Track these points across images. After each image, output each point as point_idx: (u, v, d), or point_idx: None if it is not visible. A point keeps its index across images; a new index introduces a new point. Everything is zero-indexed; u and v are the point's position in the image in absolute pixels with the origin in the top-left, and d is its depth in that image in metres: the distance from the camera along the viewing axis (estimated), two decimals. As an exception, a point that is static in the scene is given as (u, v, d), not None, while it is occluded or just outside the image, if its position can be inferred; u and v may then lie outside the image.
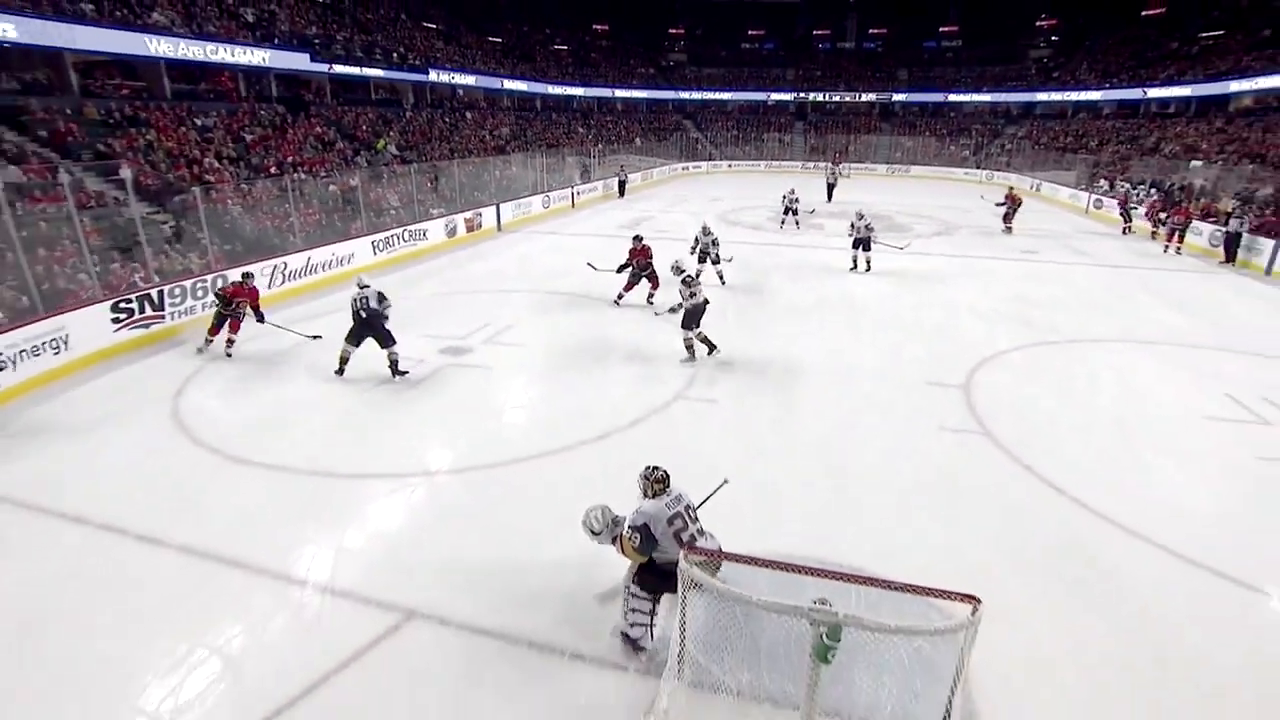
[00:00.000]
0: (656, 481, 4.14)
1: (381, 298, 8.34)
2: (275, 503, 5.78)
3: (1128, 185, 24.19)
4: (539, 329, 10.72)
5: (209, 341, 9.19)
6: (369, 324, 8.27)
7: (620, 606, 4.25)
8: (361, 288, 8.43)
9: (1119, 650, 4.27)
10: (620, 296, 11.92)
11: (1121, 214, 21.04)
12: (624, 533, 4.06)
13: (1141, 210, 20.74)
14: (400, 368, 8.44)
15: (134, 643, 4.21)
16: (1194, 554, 5.19)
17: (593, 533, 4.29)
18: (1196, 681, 4.05)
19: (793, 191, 20.50)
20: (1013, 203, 20.48)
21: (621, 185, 27.87)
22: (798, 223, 20.14)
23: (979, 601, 3.07)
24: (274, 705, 3.75)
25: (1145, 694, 3.95)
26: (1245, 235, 16.00)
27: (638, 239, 11.94)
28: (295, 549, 5.13)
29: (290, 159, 18.44)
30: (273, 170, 17.19)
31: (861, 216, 14.31)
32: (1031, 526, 5.58)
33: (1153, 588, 4.86)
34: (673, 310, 9.18)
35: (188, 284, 10.40)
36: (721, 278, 13.39)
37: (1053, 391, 8.38)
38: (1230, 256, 16.22)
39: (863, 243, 14.26)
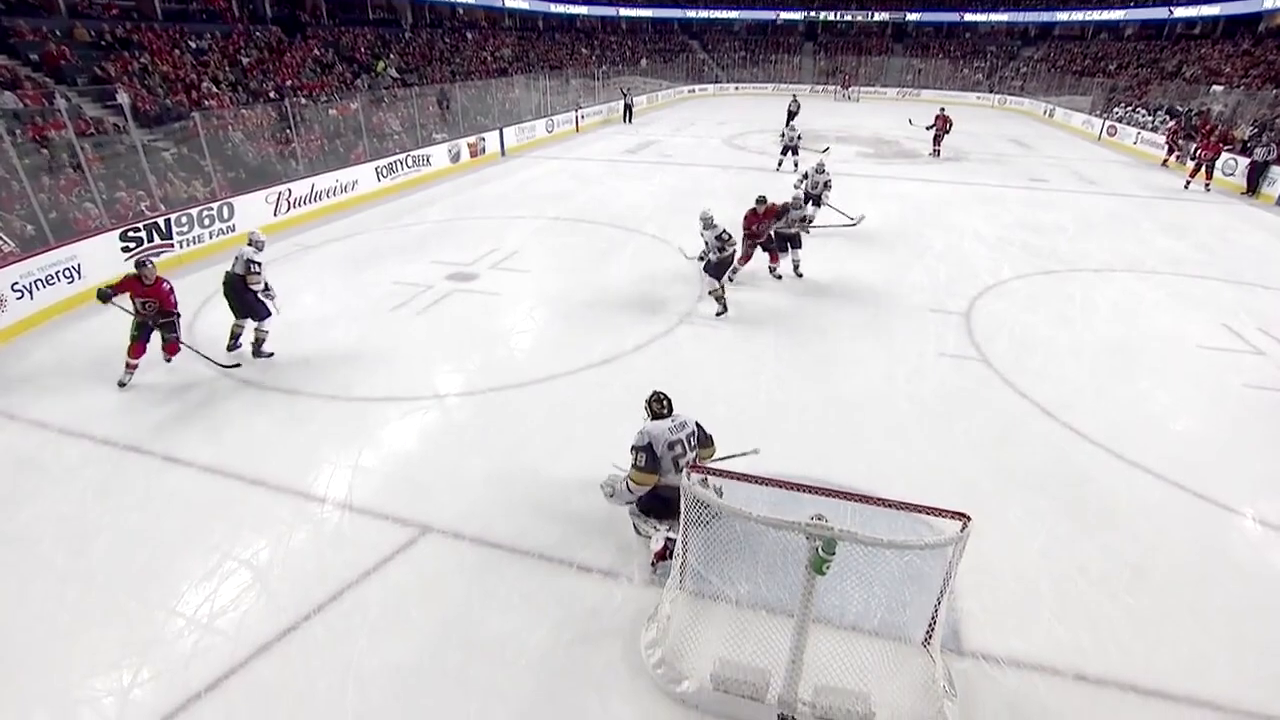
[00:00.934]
0: (658, 403, 4.32)
1: (250, 265, 6.90)
2: (292, 425, 5.98)
3: (1179, 114, 22.42)
4: (544, 254, 10.72)
5: (128, 372, 6.53)
6: (230, 289, 6.95)
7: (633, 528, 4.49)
8: (251, 244, 7.11)
9: (1099, 565, 4.48)
10: (735, 270, 8.96)
11: (1170, 145, 19.41)
12: (630, 458, 4.23)
13: (1162, 140, 20.03)
14: (264, 349, 7.09)
15: (168, 557, 4.46)
16: (1177, 476, 5.38)
17: (611, 494, 4.48)
18: (1173, 595, 4.26)
19: (791, 126, 18.78)
20: (942, 125, 19.74)
21: (628, 109, 26.82)
22: (796, 164, 16.79)
23: (969, 518, 3.24)
24: (300, 612, 4.00)
25: (1122, 606, 4.17)
26: (1272, 165, 15.41)
27: (761, 200, 8.96)
28: (313, 469, 5.34)
29: (289, 83, 17.95)
30: (271, 95, 16.77)
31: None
32: (1023, 448, 5.75)
33: (1136, 507, 5.05)
34: (700, 259, 8.78)
35: (194, 212, 10.37)
36: (796, 267, 9.79)
37: (1051, 319, 8.44)
38: (1253, 187, 15.76)
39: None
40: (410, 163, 15.56)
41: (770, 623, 3.71)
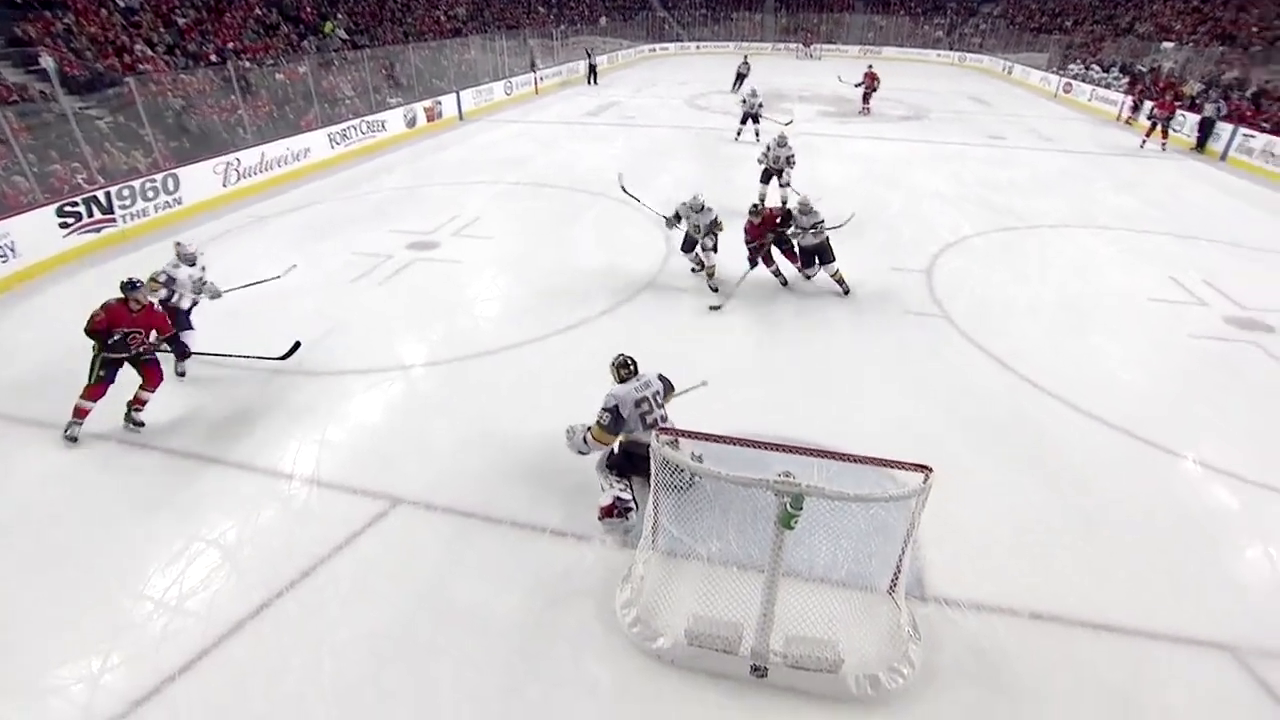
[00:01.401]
0: (623, 367, 4.36)
1: (171, 280, 6.04)
2: (254, 402, 5.84)
3: (1132, 72, 22.29)
4: (506, 220, 10.54)
5: (78, 419, 5.26)
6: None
7: (599, 488, 4.52)
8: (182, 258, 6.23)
9: (1054, 510, 4.68)
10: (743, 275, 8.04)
11: (1136, 105, 19.21)
12: (596, 416, 4.26)
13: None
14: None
15: (133, 541, 4.37)
16: (1126, 424, 5.61)
17: (575, 447, 4.50)
18: (1120, 536, 4.47)
19: (754, 93, 15.92)
20: (870, 82, 19.77)
21: (592, 70, 26.03)
22: (758, 133, 15.37)
23: (931, 471, 3.33)
24: (272, 589, 3.97)
25: (1074, 548, 4.37)
26: (1219, 122, 15.71)
27: (755, 209, 7.78)
28: (278, 445, 5.25)
29: (230, 45, 17.07)
30: (212, 58, 15.95)
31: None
32: (983, 402, 5.93)
33: (1088, 455, 5.26)
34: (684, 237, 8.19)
35: (137, 184, 9.90)
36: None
37: (1010, 275, 8.64)
38: (1201, 144, 16.05)
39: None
40: (365, 129, 15.05)
41: (741, 578, 3.80)
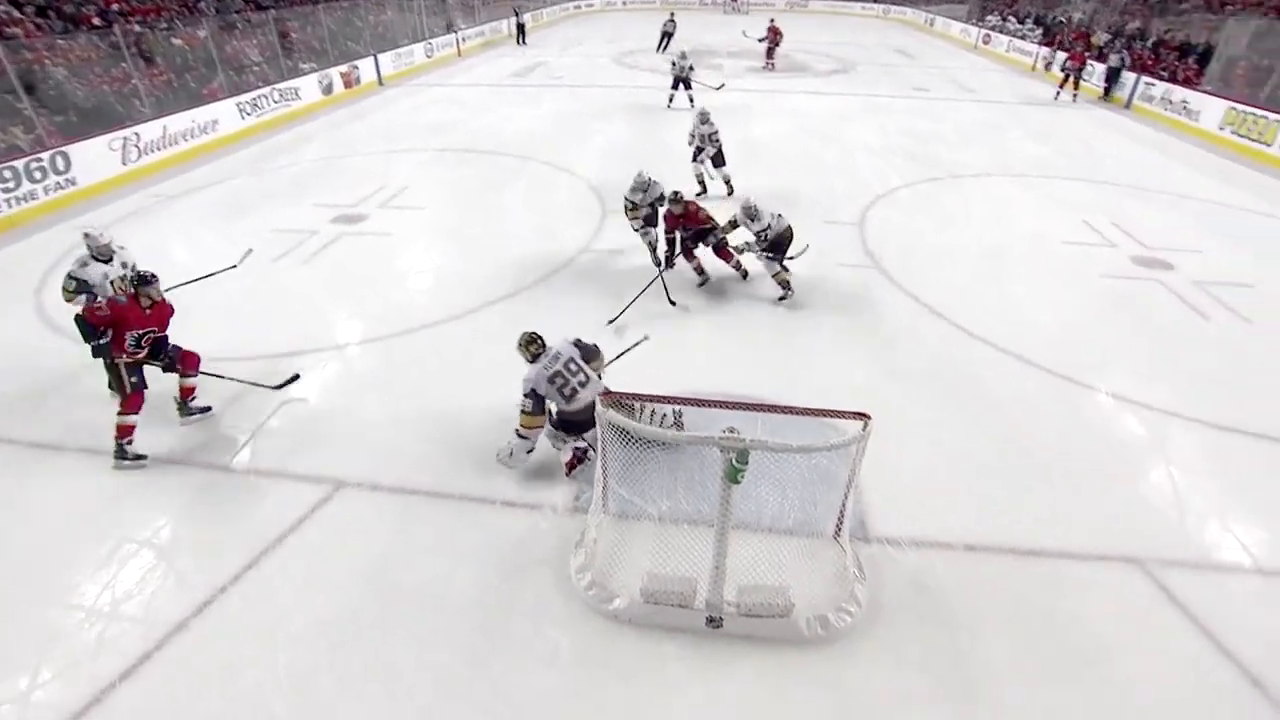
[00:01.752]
0: (530, 344, 4.35)
1: (83, 286, 5.13)
2: (173, 394, 5.54)
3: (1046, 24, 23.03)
4: (435, 189, 10.22)
5: (126, 439, 4.66)
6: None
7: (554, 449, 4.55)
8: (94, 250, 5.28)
9: (981, 447, 4.95)
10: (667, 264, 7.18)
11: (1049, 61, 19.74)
12: (519, 405, 4.29)
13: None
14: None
15: (53, 549, 4.12)
16: (1044, 361, 5.96)
17: (510, 456, 4.52)
18: (1042, 466, 4.77)
19: (683, 55, 14.82)
20: (774, 37, 19.69)
21: (520, 29, 25.10)
22: (691, 99, 14.49)
23: (869, 418, 3.46)
24: (215, 584, 3.83)
25: (1001, 481, 4.65)
26: (1123, 71, 16.37)
27: (676, 198, 6.76)
28: (210, 438, 5.02)
29: (115, 6, 15.68)
30: (95, 21, 14.64)
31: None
32: (914, 348, 6.18)
33: (1012, 393, 5.57)
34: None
35: (19, 164, 9.08)
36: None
37: (935, 224, 8.96)
38: (1107, 92, 16.75)
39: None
40: (277, 97, 14.17)
41: (693, 534, 3.88)
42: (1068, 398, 5.56)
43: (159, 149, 11.29)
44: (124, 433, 4.65)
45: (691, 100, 14.54)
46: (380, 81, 17.88)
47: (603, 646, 3.53)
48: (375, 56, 17.88)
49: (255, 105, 13.58)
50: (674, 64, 14.87)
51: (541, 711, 3.23)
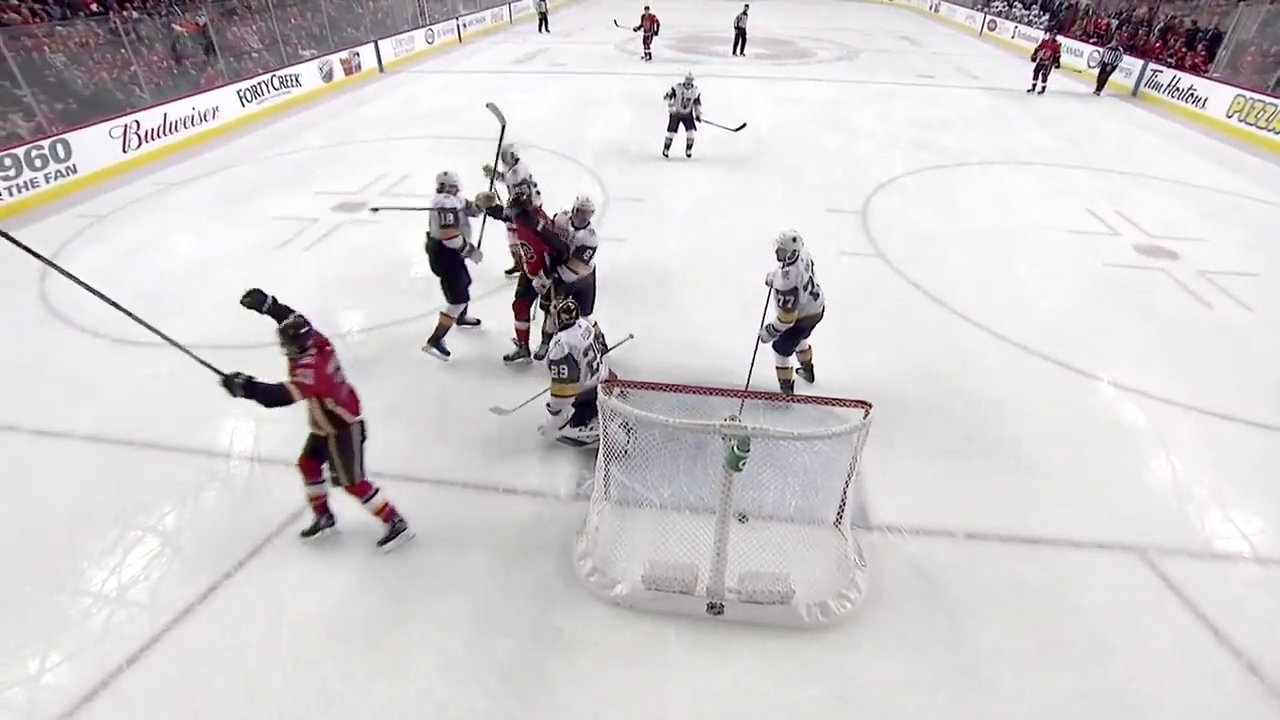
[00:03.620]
0: (565, 312, 4.30)
1: (443, 216, 5.19)
2: (178, 381, 5.54)
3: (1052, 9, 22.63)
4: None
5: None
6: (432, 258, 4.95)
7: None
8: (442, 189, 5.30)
9: (982, 435, 4.95)
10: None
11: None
12: (551, 374, 4.26)
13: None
14: (441, 345, 5.35)
15: (61, 535, 4.15)
16: (1046, 350, 5.95)
17: (555, 427, 4.55)
18: (1043, 454, 4.78)
19: (689, 82, 10.10)
20: (650, 25, 18.93)
21: (543, 18, 24.44)
22: (691, 142, 10.72)
23: (870, 406, 3.47)
24: (220, 570, 3.87)
25: (1001, 468, 4.66)
26: (1119, 65, 15.90)
27: (518, 200, 5.74)
28: (213, 425, 5.04)
29: (113, -8, 15.57)
30: (94, 7, 14.56)
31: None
32: (916, 335, 6.17)
33: (1012, 380, 5.57)
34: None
35: (19, 152, 9.06)
36: (689, 147, 10.48)
37: (939, 212, 8.91)
38: (1099, 88, 16.12)
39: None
40: (277, 84, 14.10)
41: (694, 521, 3.91)
42: (1070, 386, 5.56)
43: (160, 136, 11.25)
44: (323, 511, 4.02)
45: (689, 149, 10.79)
46: (381, 68, 17.78)
47: (605, 632, 3.56)
48: (376, 43, 17.75)
49: (256, 92, 13.51)
50: (673, 93, 10.24)
51: (544, 696, 3.26)
